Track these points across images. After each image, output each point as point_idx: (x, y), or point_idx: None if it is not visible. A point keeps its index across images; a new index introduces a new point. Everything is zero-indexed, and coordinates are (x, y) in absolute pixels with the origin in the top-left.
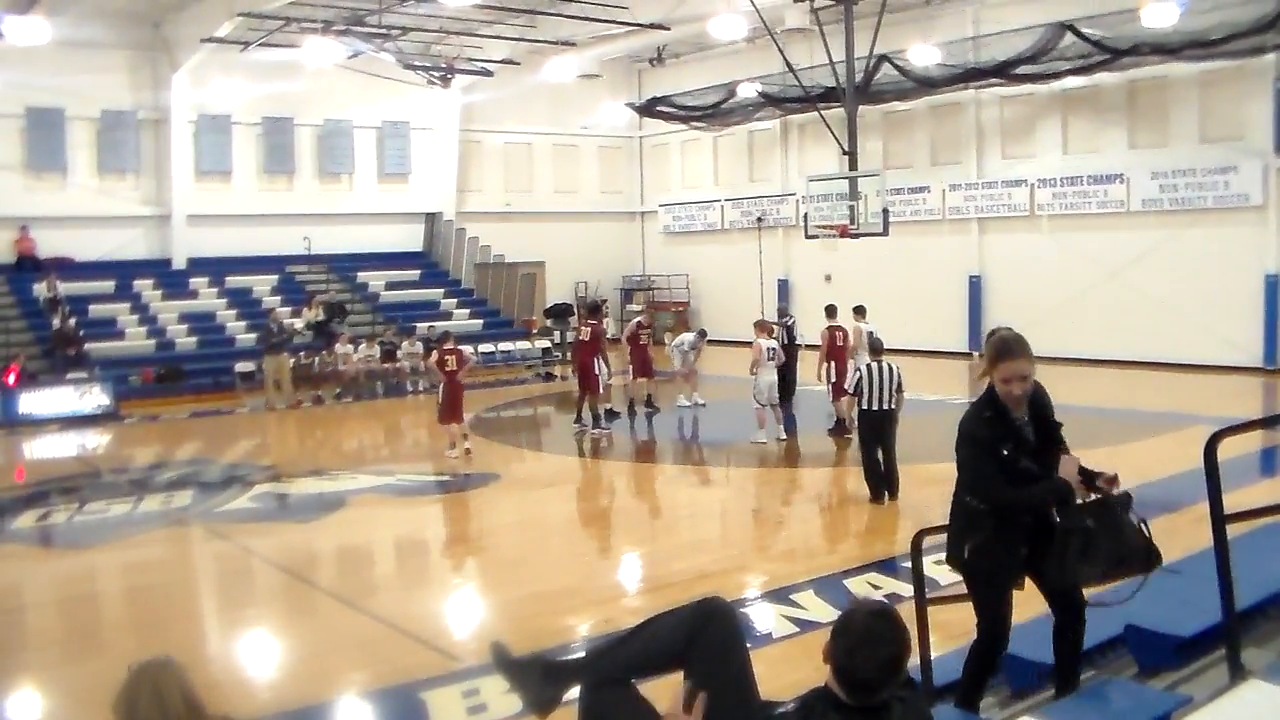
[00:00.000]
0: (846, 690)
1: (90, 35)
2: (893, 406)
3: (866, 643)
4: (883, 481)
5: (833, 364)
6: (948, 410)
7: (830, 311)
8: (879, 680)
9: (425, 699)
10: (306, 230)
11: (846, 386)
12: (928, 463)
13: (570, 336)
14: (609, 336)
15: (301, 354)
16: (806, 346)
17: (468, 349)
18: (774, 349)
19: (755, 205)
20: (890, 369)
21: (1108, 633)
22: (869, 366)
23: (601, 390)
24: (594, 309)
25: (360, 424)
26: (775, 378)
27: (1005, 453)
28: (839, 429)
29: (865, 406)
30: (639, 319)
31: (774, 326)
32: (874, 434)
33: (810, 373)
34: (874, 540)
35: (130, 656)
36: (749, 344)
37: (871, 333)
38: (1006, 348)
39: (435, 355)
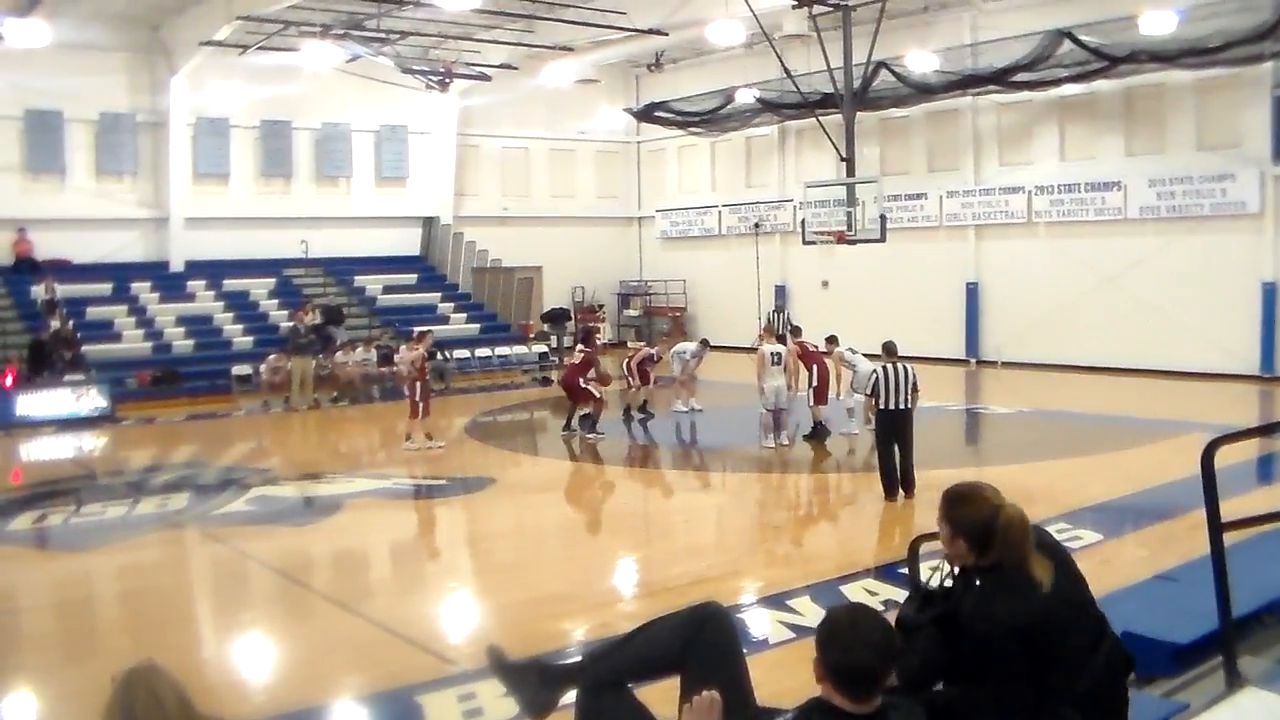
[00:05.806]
0: (850, 689)
1: (89, 38)
2: (909, 406)
3: (858, 633)
4: (898, 481)
5: (814, 369)
6: (945, 417)
7: (795, 331)
8: (880, 667)
9: (421, 703)
10: (304, 233)
11: (865, 390)
12: (925, 469)
13: (567, 341)
14: (603, 342)
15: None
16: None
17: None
18: (778, 354)
19: (753, 211)
20: (906, 370)
21: None
22: (885, 368)
23: (599, 396)
24: (586, 337)
25: (357, 427)
26: (782, 382)
27: None
28: (817, 433)
29: (883, 406)
30: (655, 350)
31: (778, 332)
32: (891, 433)
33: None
34: (870, 546)
35: (126, 659)
36: (749, 349)
37: (851, 348)
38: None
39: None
